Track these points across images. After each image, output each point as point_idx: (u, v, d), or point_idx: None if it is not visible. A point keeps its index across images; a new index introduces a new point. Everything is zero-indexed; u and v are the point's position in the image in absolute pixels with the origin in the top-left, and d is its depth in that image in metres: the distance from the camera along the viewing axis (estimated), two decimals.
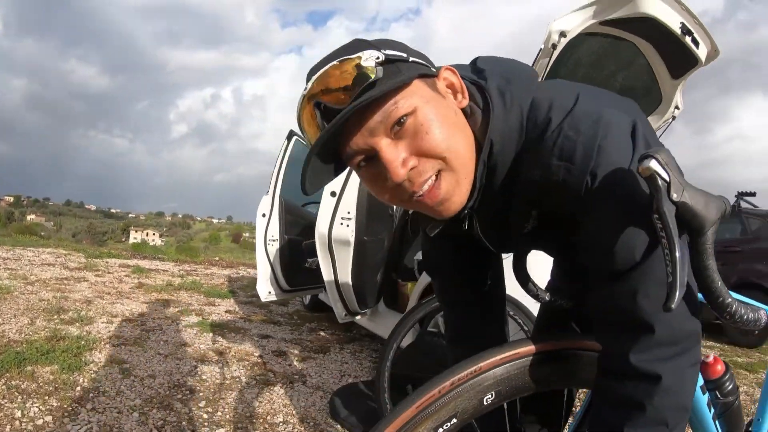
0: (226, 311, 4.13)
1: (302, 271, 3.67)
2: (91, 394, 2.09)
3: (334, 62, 0.68)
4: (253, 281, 5.86)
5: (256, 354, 2.98)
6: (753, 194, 4.35)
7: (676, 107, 2.94)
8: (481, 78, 0.80)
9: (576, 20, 2.31)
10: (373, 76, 0.66)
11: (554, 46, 2.29)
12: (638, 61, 2.75)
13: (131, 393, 2.16)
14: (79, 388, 2.13)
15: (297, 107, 0.73)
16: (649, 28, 2.45)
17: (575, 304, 1.05)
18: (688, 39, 2.48)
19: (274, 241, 3.45)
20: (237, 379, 2.51)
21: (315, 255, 3.77)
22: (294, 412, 2.23)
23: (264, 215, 3.47)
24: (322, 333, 3.74)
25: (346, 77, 0.67)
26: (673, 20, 2.39)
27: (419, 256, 3.14)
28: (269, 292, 3.47)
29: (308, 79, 0.72)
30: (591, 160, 0.69)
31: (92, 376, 2.28)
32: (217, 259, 8.65)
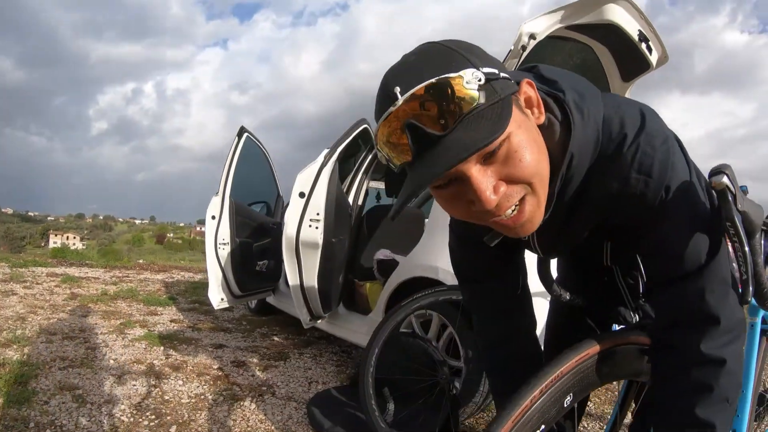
0: (171, 320, 3.85)
1: (253, 274, 3.50)
2: (48, 431, 1.84)
3: (432, 80, 0.62)
4: (190, 285, 5.53)
5: (215, 366, 2.78)
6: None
7: None
8: (556, 89, 0.79)
9: (545, 23, 2.37)
10: (475, 103, 0.62)
11: (524, 48, 2.33)
12: (593, 64, 2.88)
13: (92, 425, 1.93)
14: (32, 425, 1.87)
15: (378, 117, 0.66)
16: (610, 33, 2.57)
17: (588, 301, 1.16)
18: (643, 45, 2.63)
19: (224, 244, 3.25)
20: (202, 397, 2.33)
21: (266, 257, 3.62)
22: (273, 427, 2.11)
23: (214, 218, 3.25)
24: (275, 338, 3.58)
25: (447, 102, 0.61)
26: (632, 28, 2.52)
27: (379, 255, 3.09)
28: (222, 299, 3.27)
29: (390, 85, 0.64)
30: (666, 175, 0.75)
31: (44, 408, 2.02)
32: (142, 262, 8.08)
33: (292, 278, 2.68)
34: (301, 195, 2.56)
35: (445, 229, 2.25)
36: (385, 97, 0.65)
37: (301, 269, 2.65)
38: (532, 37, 2.33)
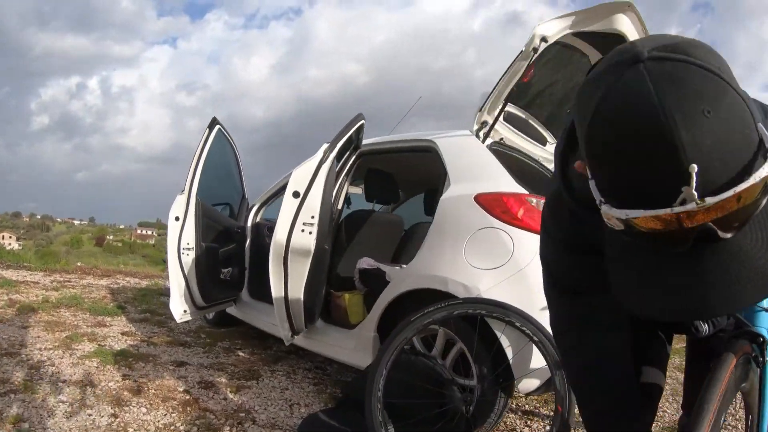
0: (122, 333, 3.41)
1: (218, 283, 3.18)
2: None
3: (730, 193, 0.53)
4: (138, 293, 5.03)
5: (180, 389, 2.45)
6: None
7: None
8: None
9: (557, 27, 2.30)
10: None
11: (535, 50, 2.26)
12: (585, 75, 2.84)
13: None
14: None
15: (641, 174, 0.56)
16: (611, 44, 2.54)
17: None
18: None
19: (189, 249, 2.92)
20: (173, 428, 2.01)
21: (230, 265, 3.30)
22: None
23: (178, 219, 2.91)
24: (240, 353, 3.26)
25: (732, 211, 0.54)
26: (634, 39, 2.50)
27: (362, 263, 2.88)
28: (184, 311, 2.93)
29: (662, 135, 0.53)
30: None
31: None
32: (81, 265, 7.31)
33: (277, 290, 2.41)
34: (296, 195, 2.31)
35: (453, 236, 2.08)
36: (653, 146, 0.54)
37: (288, 280, 2.39)
38: (543, 39, 2.26)
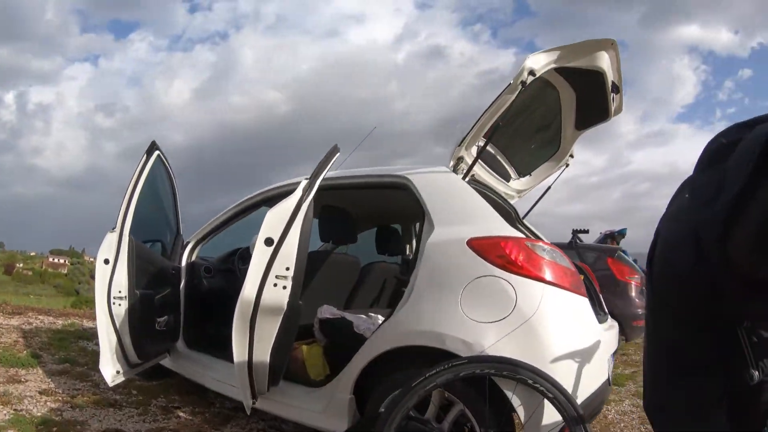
0: (40, 392, 2.80)
1: (153, 335, 2.74)
2: None
3: None
4: (54, 336, 4.28)
5: None
6: (586, 231, 5.12)
7: (571, 156, 3.11)
8: None
9: (544, 61, 2.25)
10: None
11: (523, 84, 2.19)
12: (552, 108, 2.82)
13: None
14: None
15: None
16: (587, 81, 2.52)
17: None
18: (611, 96, 2.63)
19: (121, 298, 2.48)
20: None
21: (165, 312, 2.85)
22: None
23: (107, 262, 2.46)
24: (181, 413, 2.82)
25: None
26: (611, 77, 2.50)
27: (324, 313, 2.59)
28: (117, 372, 2.49)
29: None
30: None
31: None
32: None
33: (240, 352, 2.07)
34: (269, 242, 1.99)
35: (446, 286, 1.92)
36: None
37: (253, 341, 2.06)
38: (531, 73, 2.18)
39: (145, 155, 2.60)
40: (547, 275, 1.90)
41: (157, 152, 2.66)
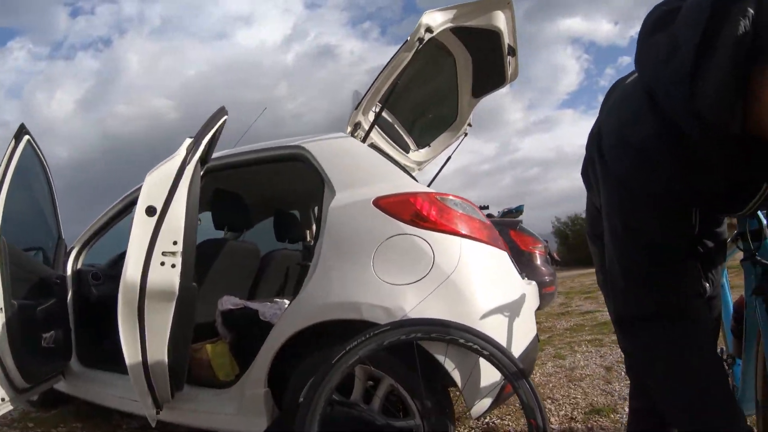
0: None
1: (40, 353, 2.36)
2: None
3: None
4: None
5: None
6: (486, 207, 5.17)
7: (469, 124, 3.11)
8: None
9: (441, 19, 2.18)
10: None
11: (420, 41, 2.10)
12: (449, 78, 2.79)
13: None
14: None
15: None
16: (484, 43, 2.51)
17: None
18: (508, 59, 2.64)
19: None
20: None
21: (52, 326, 2.47)
22: None
23: None
24: None
25: None
26: (508, 39, 2.51)
27: (226, 304, 2.37)
28: (2, 400, 2.09)
29: None
30: None
31: None
32: None
33: (131, 352, 1.78)
34: (150, 211, 1.72)
35: (355, 251, 1.74)
36: None
37: (145, 336, 1.78)
38: (428, 30, 2.10)
39: (13, 141, 2.21)
40: (463, 229, 1.80)
41: (27, 137, 2.29)
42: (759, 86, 0.67)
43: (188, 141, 1.82)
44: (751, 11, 0.65)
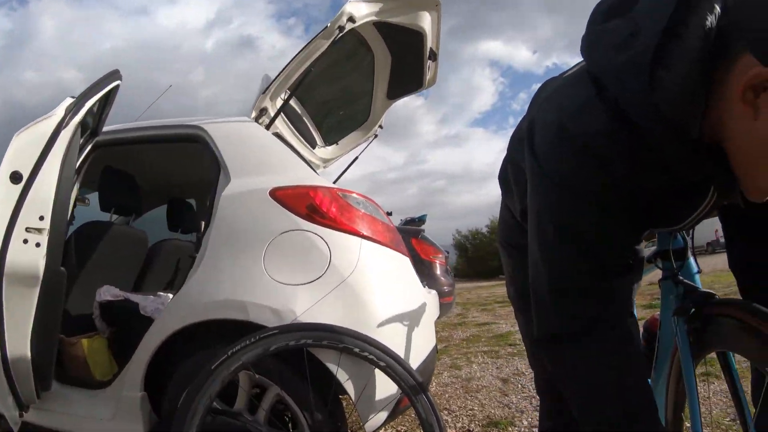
0: None
1: None
2: None
3: None
4: None
5: None
6: (390, 213, 5.17)
7: (380, 126, 3.06)
8: None
9: (365, 10, 2.10)
10: None
11: (341, 28, 2.01)
12: (366, 75, 2.72)
13: None
14: None
15: None
16: (405, 43, 2.46)
17: None
18: (428, 63, 2.61)
19: None
20: None
21: None
22: None
23: None
24: None
25: None
26: (430, 43, 2.48)
27: (105, 294, 2.12)
28: None
29: None
30: None
31: None
32: None
33: None
34: (15, 178, 1.45)
35: (245, 246, 1.60)
36: None
37: (3, 326, 1.52)
38: (351, 19, 2.01)
39: None
40: (364, 229, 1.69)
41: None
42: (722, 83, 0.64)
43: (69, 100, 1.56)
44: (718, 6, 0.63)
